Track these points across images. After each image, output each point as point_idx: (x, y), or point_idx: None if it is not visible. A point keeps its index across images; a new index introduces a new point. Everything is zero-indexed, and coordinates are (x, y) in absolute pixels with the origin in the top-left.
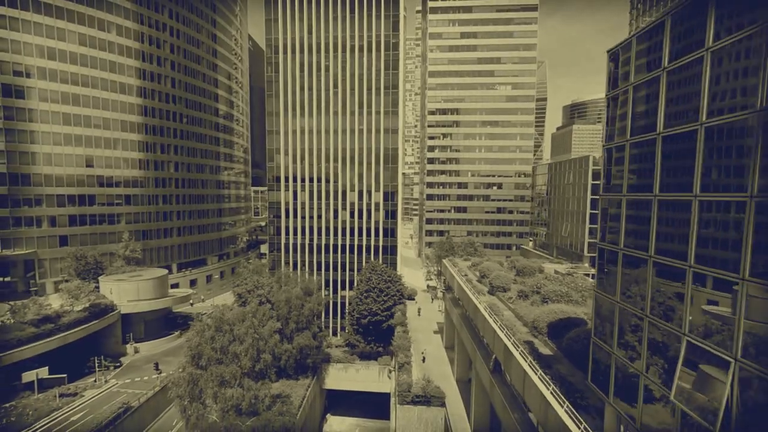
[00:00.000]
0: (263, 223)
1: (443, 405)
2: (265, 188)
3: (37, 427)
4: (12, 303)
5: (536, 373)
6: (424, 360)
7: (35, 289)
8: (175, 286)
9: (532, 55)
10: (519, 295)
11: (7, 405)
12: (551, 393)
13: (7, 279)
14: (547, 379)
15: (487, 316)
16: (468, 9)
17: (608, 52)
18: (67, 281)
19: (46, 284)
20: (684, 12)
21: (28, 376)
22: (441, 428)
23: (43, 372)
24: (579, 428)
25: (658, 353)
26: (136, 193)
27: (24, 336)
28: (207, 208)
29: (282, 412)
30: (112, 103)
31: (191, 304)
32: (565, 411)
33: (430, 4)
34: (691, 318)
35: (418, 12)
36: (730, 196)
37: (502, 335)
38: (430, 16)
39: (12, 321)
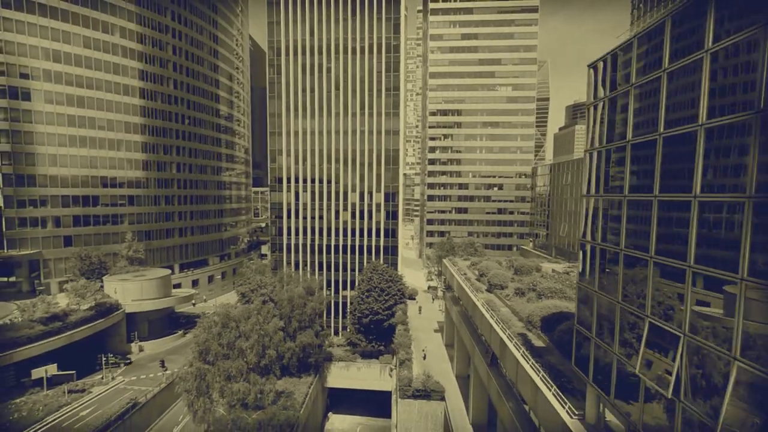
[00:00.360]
0: (263, 224)
1: (443, 399)
2: (265, 189)
3: (48, 421)
4: (18, 302)
5: (528, 362)
6: (425, 357)
7: (41, 288)
8: (177, 286)
9: (532, 56)
10: (516, 293)
11: (18, 401)
12: (541, 379)
13: (12, 279)
14: (538, 367)
15: (484, 312)
16: (469, 10)
17: (589, 66)
18: (71, 281)
19: (51, 284)
20: (648, 35)
21: (38, 372)
22: (440, 421)
23: (52, 369)
24: (564, 408)
25: (628, 334)
26: (139, 194)
27: (33, 334)
28: (208, 209)
29: (286, 407)
30: (115, 105)
31: (193, 304)
32: (553, 394)
33: (431, 5)
34: (652, 302)
35: (419, 11)
36: (680, 196)
37: (497, 329)
38: (431, 18)
39: (20, 319)
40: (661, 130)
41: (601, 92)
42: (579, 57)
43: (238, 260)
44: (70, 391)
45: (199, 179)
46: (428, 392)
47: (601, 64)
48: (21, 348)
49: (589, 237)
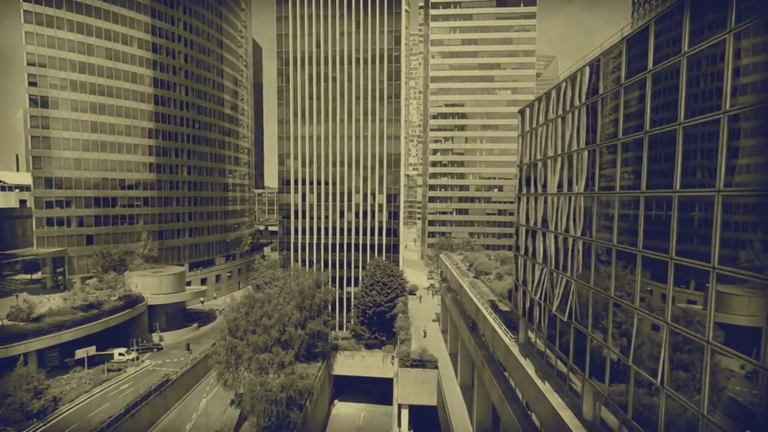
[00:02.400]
0: (261, 227)
1: (436, 368)
2: (262, 191)
3: (95, 392)
4: (48, 296)
5: (491, 316)
6: (425, 335)
7: (72, 281)
8: (188, 284)
9: (530, 60)
10: (496, 276)
11: (66, 376)
12: (498, 325)
13: (37, 276)
14: (496, 316)
15: (467, 290)
16: (468, 17)
17: (519, 111)
18: (91, 277)
19: (75, 280)
20: (563, 84)
21: (81, 353)
22: (434, 385)
23: (92, 350)
24: (506, 336)
25: (544, 285)
26: (152, 195)
27: (76, 318)
28: (215, 210)
29: (303, 376)
30: (132, 111)
31: (202, 302)
32: (503, 331)
33: (432, 12)
34: (546, 257)
35: (420, 8)
36: (588, 194)
37: (475, 299)
38: (432, 24)
39: (60, 307)
40: (575, 148)
41: (526, 128)
42: (593, 46)
43: (242, 261)
44: (109, 370)
45: (207, 181)
46: (424, 362)
47: (527, 110)
48: (67, 330)
49: (522, 222)
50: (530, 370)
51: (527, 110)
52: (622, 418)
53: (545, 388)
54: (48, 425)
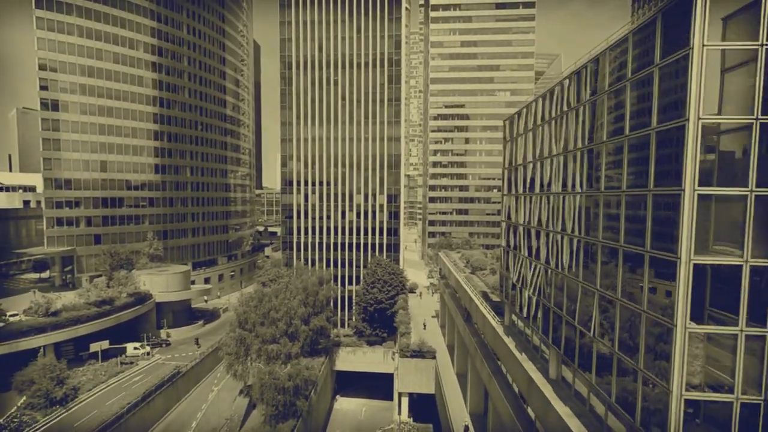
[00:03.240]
0: (261, 228)
1: (434, 358)
2: (261, 191)
3: (111, 383)
4: (58, 294)
5: (482, 304)
6: (425, 327)
7: (81, 280)
8: (192, 283)
9: (529, 62)
10: (491, 272)
11: (82, 369)
12: (487, 311)
13: (45, 275)
14: (486, 304)
15: (462, 283)
16: (468, 19)
17: (504, 121)
18: (99, 276)
19: (82, 279)
20: (534, 103)
21: (95, 346)
22: (432, 374)
23: (105, 344)
24: (494, 320)
25: (522, 271)
26: (157, 196)
27: (90, 314)
28: (218, 211)
29: (308, 367)
30: (138, 114)
31: (206, 301)
32: (491, 316)
33: (432, 14)
34: (526, 249)
35: (421, 6)
36: (556, 193)
37: (468, 290)
38: (431, 25)
39: (74, 302)
40: (543, 156)
41: (513, 134)
42: (597, 43)
43: (244, 261)
44: (122, 363)
45: (209, 182)
46: (423, 353)
47: (509, 121)
48: (83, 325)
49: (509, 219)
50: (511, 345)
51: (509, 121)
52: (574, 371)
53: (522, 357)
54: (70, 411)
